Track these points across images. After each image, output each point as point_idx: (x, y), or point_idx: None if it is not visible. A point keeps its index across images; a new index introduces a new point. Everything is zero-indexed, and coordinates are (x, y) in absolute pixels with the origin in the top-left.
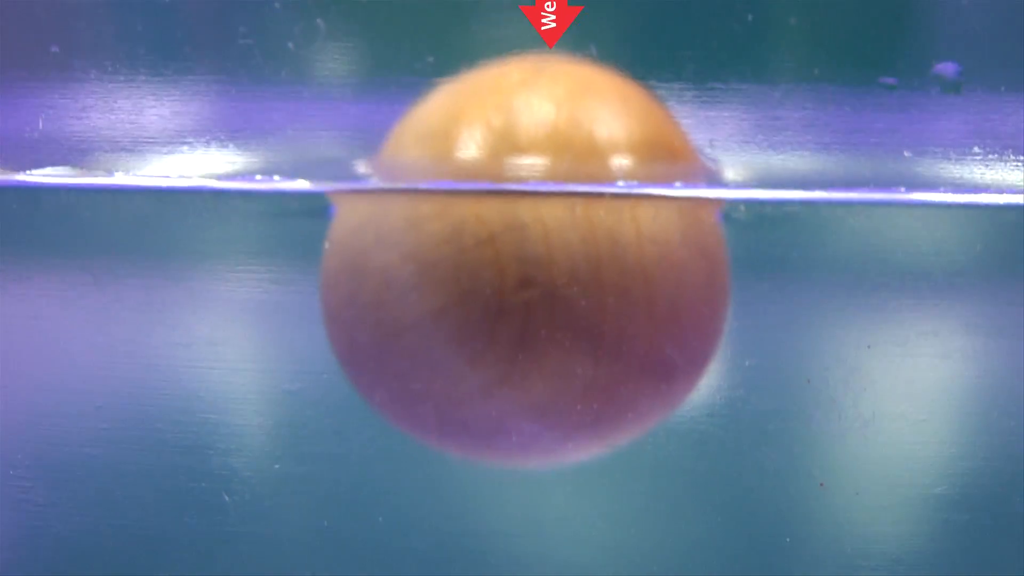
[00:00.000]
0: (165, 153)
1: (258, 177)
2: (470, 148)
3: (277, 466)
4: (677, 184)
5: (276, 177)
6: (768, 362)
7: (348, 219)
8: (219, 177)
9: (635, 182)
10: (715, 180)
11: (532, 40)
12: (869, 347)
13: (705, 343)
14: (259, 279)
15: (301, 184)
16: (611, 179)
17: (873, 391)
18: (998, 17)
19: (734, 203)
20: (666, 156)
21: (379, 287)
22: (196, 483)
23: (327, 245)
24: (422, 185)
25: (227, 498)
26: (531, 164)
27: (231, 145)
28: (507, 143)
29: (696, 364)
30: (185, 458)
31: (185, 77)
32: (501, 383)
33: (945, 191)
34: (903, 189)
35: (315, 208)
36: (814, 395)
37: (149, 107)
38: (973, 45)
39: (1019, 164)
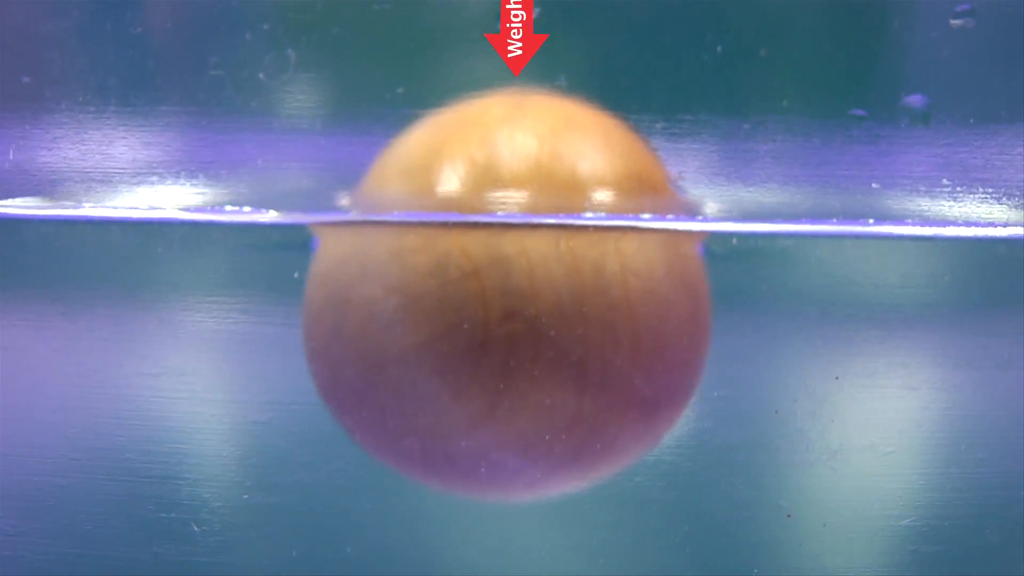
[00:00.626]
0: (135, 184)
1: (228, 208)
2: (453, 182)
3: (246, 496)
4: (669, 217)
5: (246, 208)
6: (736, 393)
7: (332, 251)
8: (189, 208)
9: (619, 215)
10: (695, 214)
11: (500, 71)
12: (837, 378)
13: (687, 378)
14: (228, 310)
15: (271, 216)
16: (595, 213)
17: (841, 422)
18: (967, 49)
19: (716, 236)
20: (647, 191)
21: (364, 320)
22: (166, 513)
23: (310, 277)
24: (406, 217)
25: (196, 528)
26: (514, 198)
27: (201, 176)
28: (490, 177)
29: (678, 399)
30: (155, 488)
31: (156, 108)
32: (486, 416)
33: (913, 223)
34: (871, 221)
35: (284, 240)
36: (782, 426)
37: (119, 138)
38: (942, 77)
39: (987, 197)
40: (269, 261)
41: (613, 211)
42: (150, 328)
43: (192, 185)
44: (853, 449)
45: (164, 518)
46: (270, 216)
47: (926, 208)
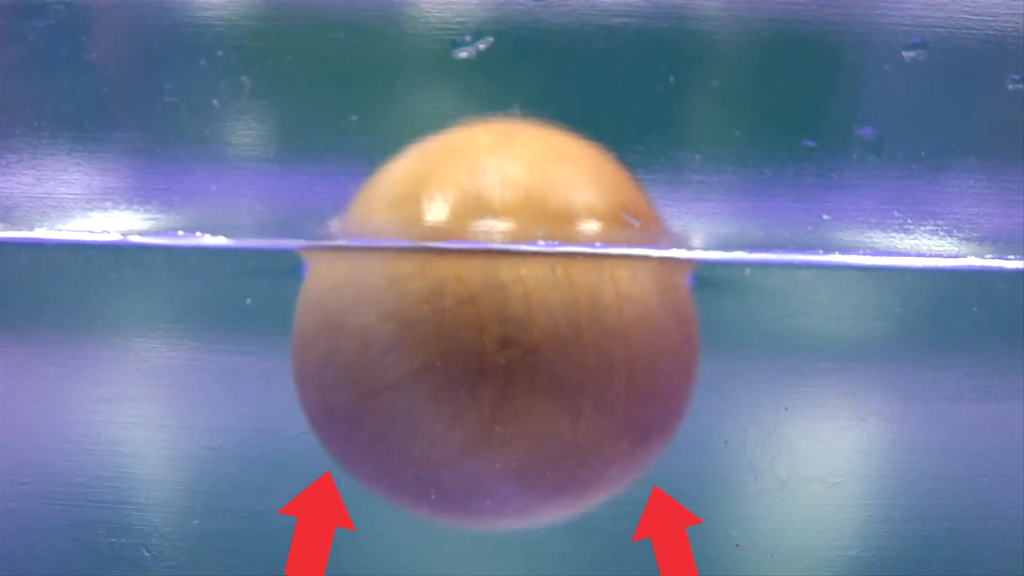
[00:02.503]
0: (89, 210)
1: (180, 234)
2: (443, 211)
3: (196, 522)
4: (671, 247)
5: (199, 234)
6: (686, 423)
7: (324, 278)
8: (142, 234)
9: (612, 244)
10: (684, 244)
11: (454, 99)
12: (787, 409)
13: (677, 407)
14: (181, 336)
15: (223, 242)
16: (587, 241)
17: (790, 453)
18: (919, 82)
19: (706, 266)
20: (636, 222)
21: (358, 347)
22: (116, 538)
23: (301, 303)
24: (403, 244)
25: (147, 553)
26: (505, 227)
27: (154, 202)
28: (480, 206)
29: (668, 428)
30: (106, 513)
31: (110, 134)
32: (481, 444)
33: (864, 254)
34: (822, 252)
35: (237, 266)
36: (731, 456)
37: (74, 164)
38: (894, 110)
39: (937, 229)
40: (222, 288)
41: (604, 240)
42: (103, 354)
43: (145, 211)
44: (802, 480)
45: (115, 543)
46: (222, 242)
47: (877, 240)
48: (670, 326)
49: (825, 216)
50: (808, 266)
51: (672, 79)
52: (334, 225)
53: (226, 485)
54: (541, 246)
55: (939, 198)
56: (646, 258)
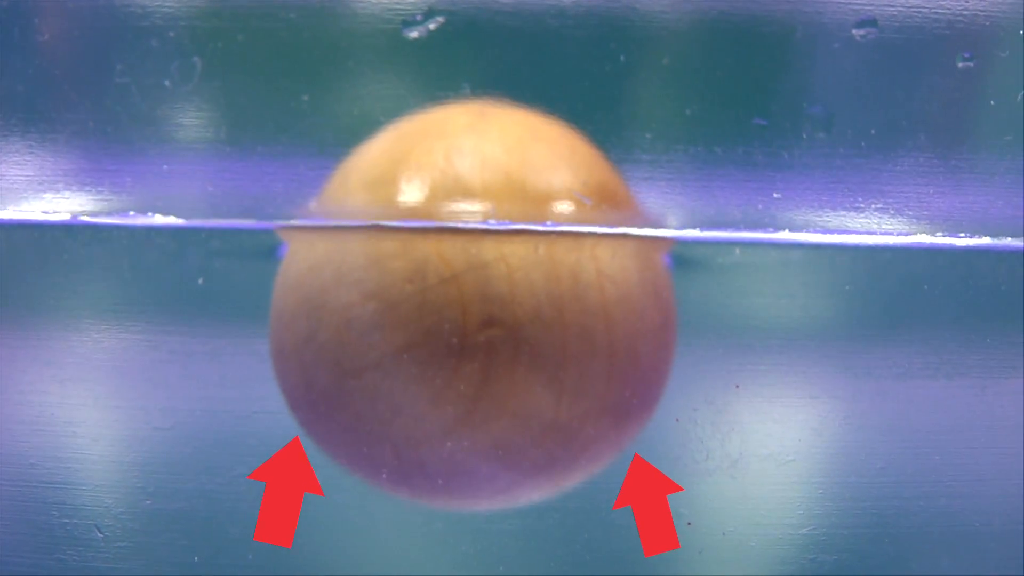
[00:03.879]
0: (41, 191)
1: (132, 214)
2: (422, 192)
3: (149, 502)
4: (648, 227)
5: (151, 215)
6: None
7: (304, 257)
8: (94, 215)
9: (593, 224)
10: (661, 225)
11: (406, 79)
12: (737, 387)
13: (656, 386)
14: (134, 316)
15: (174, 221)
16: (567, 222)
17: (741, 431)
18: (868, 60)
19: (684, 245)
20: (612, 202)
21: (339, 326)
22: (68, 519)
23: (279, 283)
24: (386, 223)
25: (100, 534)
26: (487, 207)
27: (107, 183)
28: (460, 187)
29: (647, 407)
30: (58, 494)
31: (62, 115)
32: (462, 423)
33: (814, 232)
34: (772, 230)
35: (185, 246)
36: (682, 435)
37: (25, 146)
38: (844, 88)
39: (887, 207)
40: (174, 268)
41: (584, 220)
42: (55, 335)
43: (98, 192)
44: (753, 458)
45: (67, 524)
46: (174, 222)
47: (827, 219)
48: (649, 305)
49: (775, 194)
50: (758, 244)
51: (622, 58)
52: (312, 206)
53: (178, 465)
54: (524, 224)
55: (889, 176)
56: (625, 237)
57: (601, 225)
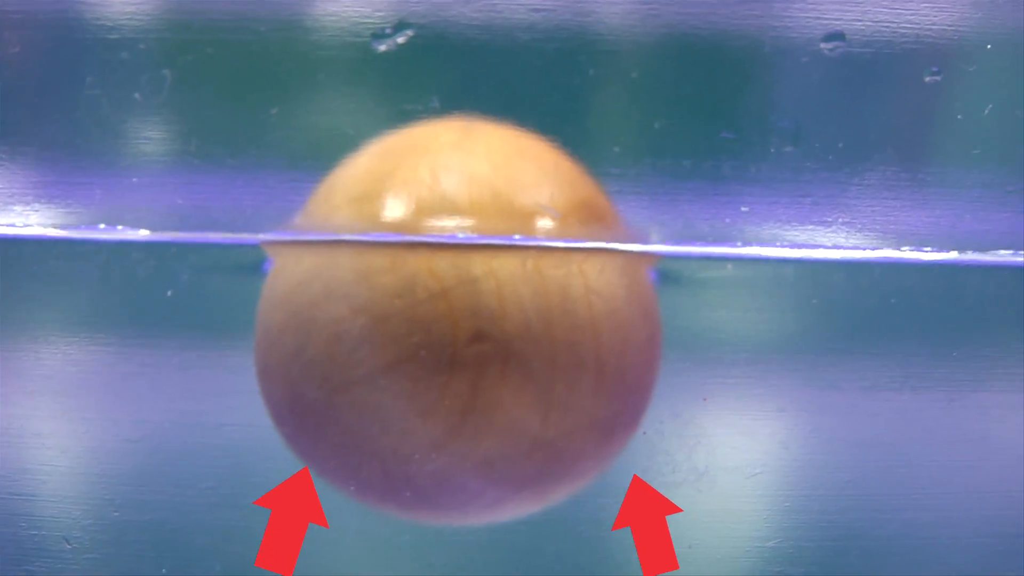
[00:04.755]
0: (11, 204)
1: (102, 227)
2: (409, 209)
3: (117, 514)
4: (634, 243)
5: (120, 228)
6: None
7: (291, 272)
8: (64, 228)
9: (579, 239)
10: (646, 240)
11: (375, 92)
12: (705, 400)
13: (642, 401)
14: (102, 328)
15: (143, 235)
16: (554, 237)
17: (708, 444)
18: (836, 74)
19: (669, 261)
20: (597, 219)
21: (328, 341)
22: (37, 530)
23: (265, 298)
24: (377, 237)
25: (68, 545)
26: (475, 224)
27: (77, 195)
28: (447, 204)
29: (633, 422)
30: (26, 505)
31: (32, 128)
32: (451, 438)
33: (781, 246)
34: (740, 244)
35: (155, 259)
36: (649, 447)
37: None
38: (812, 102)
39: (854, 221)
40: (143, 280)
41: (571, 236)
42: (23, 347)
43: (67, 205)
44: (720, 471)
45: (36, 535)
46: (143, 236)
47: (794, 232)
48: (636, 320)
49: (743, 208)
50: (726, 258)
51: (591, 72)
52: (297, 221)
53: (147, 477)
54: (514, 239)
55: (856, 190)
56: (612, 252)
57: (588, 241)
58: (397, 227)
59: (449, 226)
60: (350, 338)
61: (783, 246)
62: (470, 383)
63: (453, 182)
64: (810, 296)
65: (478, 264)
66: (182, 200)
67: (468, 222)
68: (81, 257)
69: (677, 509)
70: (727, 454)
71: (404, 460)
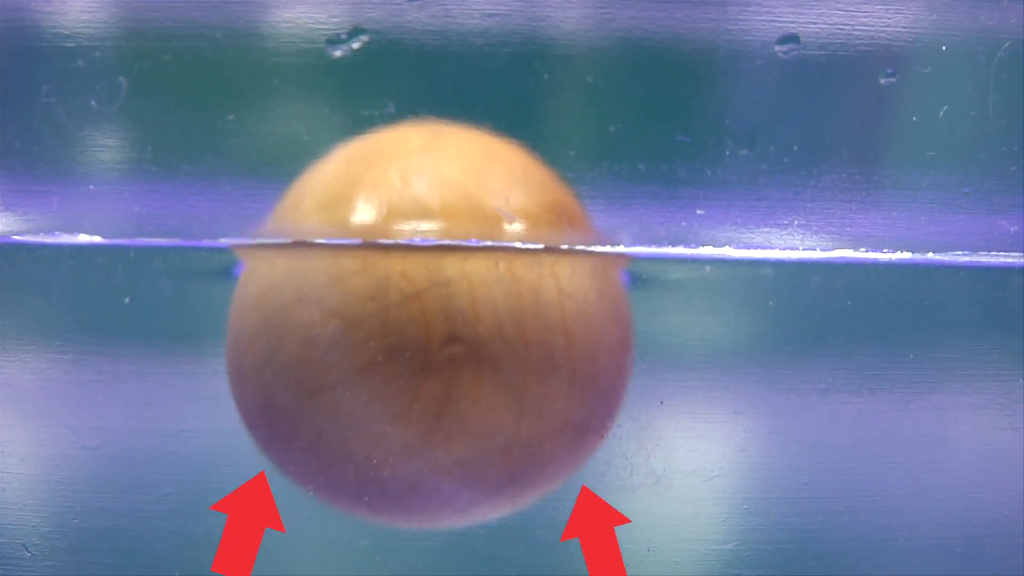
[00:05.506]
0: None
1: (58, 233)
2: (380, 213)
3: (76, 521)
4: (605, 245)
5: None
6: None
7: (263, 276)
8: (20, 234)
9: (549, 242)
10: (617, 242)
11: (331, 98)
12: (662, 403)
13: (613, 403)
14: (61, 335)
15: (98, 240)
16: (525, 239)
17: (665, 447)
18: (791, 77)
19: (639, 263)
20: (567, 221)
21: (300, 345)
22: None
23: (237, 303)
24: (349, 241)
25: (27, 553)
26: (446, 227)
27: (34, 203)
28: (418, 207)
29: (604, 424)
30: None
31: None
32: (424, 441)
33: (738, 248)
34: (696, 246)
35: (111, 265)
36: (606, 451)
37: None
38: (767, 104)
39: (810, 223)
40: (100, 287)
41: (542, 239)
42: None
43: (24, 212)
44: (677, 474)
45: None
46: (99, 241)
47: (750, 235)
48: (608, 322)
49: (699, 211)
50: (682, 261)
51: (546, 76)
52: (268, 226)
53: (105, 484)
54: (487, 243)
55: (812, 192)
56: (584, 254)
57: (559, 243)
58: (369, 231)
59: (420, 230)
60: (322, 342)
61: (739, 248)
62: (444, 386)
63: (424, 186)
64: (766, 298)
65: (451, 266)
66: (138, 207)
67: (440, 225)
68: (38, 264)
69: (625, 519)
70: (685, 457)
71: (377, 464)
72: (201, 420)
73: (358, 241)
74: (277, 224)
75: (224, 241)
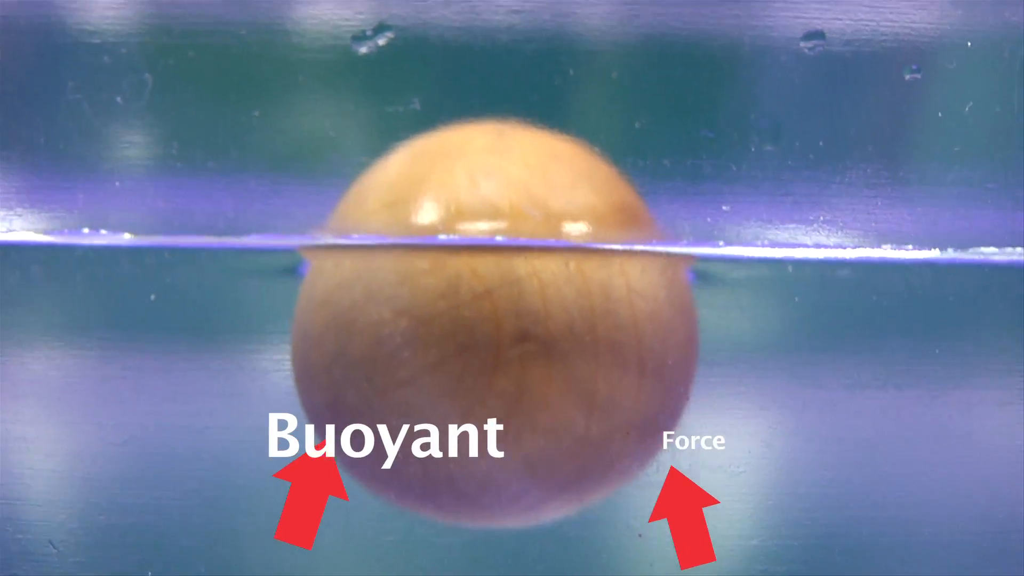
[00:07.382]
0: None
1: (86, 231)
2: (448, 211)
3: (103, 517)
4: (673, 244)
5: (103, 232)
6: None
7: (331, 275)
8: (47, 232)
9: (620, 241)
10: (680, 243)
11: (356, 94)
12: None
13: (681, 401)
14: (86, 332)
15: (127, 239)
16: (593, 239)
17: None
18: (816, 73)
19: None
20: (632, 222)
21: (371, 343)
22: (22, 535)
23: (304, 301)
24: (420, 240)
25: (53, 549)
26: (513, 226)
27: (59, 200)
28: (486, 206)
29: (672, 422)
30: (11, 510)
31: (14, 132)
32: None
33: (762, 245)
34: (721, 243)
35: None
36: None
37: None
38: (792, 100)
39: (835, 219)
40: (127, 283)
41: (609, 239)
42: (8, 351)
43: (50, 210)
44: (703, 469)
45: (21, 539)
46: (126, 240)
47: (775, 231)
48: (676, 320)
49: (724, 207)
50: (707, 257)
51: (571, 72)
52: (331, 225)
53: (131, 480)
54: (558, 242)
55: (837, 189)
56: (653, 253)
57: (628, 242)
58: (437, 230)
59: (488, 229)
60: (393, 340)
61: (764, 245)
62: (514, 384)
63: (491, 185)
64: (792, 294)
65: (521, 265)
66: (164, 203)
67: (508, 224)
68: (64, 261)
69: (715, 500)
70: (711, 452)
71: (446, 462)
72: (226, 416)
73: (438, 239)
74: (341, 223)
75: (293, 240)
